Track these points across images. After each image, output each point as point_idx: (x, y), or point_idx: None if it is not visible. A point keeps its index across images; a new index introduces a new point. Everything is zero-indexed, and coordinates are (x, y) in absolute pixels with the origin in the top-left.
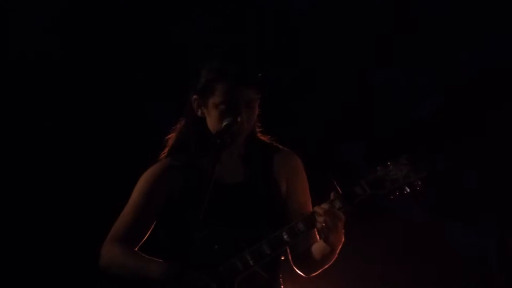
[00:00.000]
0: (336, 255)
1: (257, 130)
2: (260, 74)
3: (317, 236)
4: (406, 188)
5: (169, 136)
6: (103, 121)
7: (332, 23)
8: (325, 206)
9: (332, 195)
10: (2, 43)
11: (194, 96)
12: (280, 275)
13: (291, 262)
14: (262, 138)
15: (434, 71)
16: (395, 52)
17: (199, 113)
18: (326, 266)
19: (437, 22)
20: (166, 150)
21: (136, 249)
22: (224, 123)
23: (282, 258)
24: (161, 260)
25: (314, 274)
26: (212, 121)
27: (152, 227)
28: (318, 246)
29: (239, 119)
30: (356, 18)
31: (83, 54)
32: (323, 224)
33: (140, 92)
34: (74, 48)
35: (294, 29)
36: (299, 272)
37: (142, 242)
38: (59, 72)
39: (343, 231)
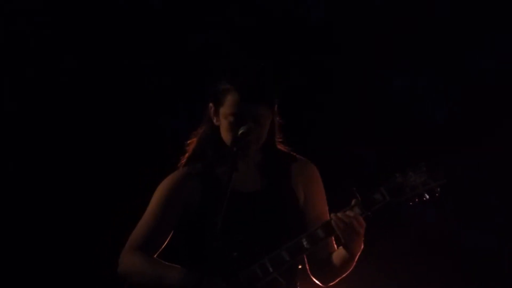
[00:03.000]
0: (354, 263)
1: (278, 140)
2: (273, 90)
3: (335, 245)
4: (426, 194)
5: (190, 141)
6: (120, 129)
7: (349, 30)
8: (346, 212)
9: (353, 202)
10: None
11: (210, 105)
12: (298, 283)
13: (309, 271)
14: (280, 147)
15: (450, 77)
16: (411, 58)
17: (215, 121)
18: (344, 275)
19: (454, 27)
20: (185, 156)
21: (155, 256)
22: (240, 131)
23: (300, 266)
24: (180, 267)
25: (332, 283)
26: (222, 131)
27: (170, 235)
28: (337, 254)
29: (245, 128)
30: (372, 23)
31: (99, 62)
32: (344, 231)
33: (157, 100)
34: (89, 56)
35: (311, 37)
36: (316, 281)
37: (160, 250)
38: (73, 78)
39: (363, 238)
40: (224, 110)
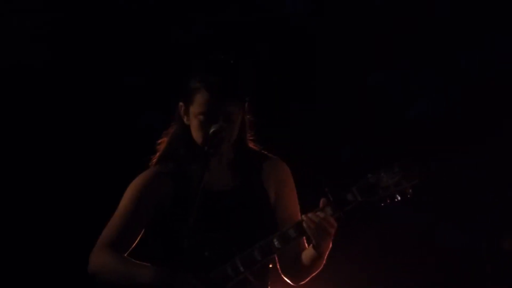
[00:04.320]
0: (324, 262)
1: (249, 138)
2: (243, 88)
3: (306, 245)
4: (397, 195)
5: (161, 140)
6: (95, 126)
7: (329, 26)
8: (317, 213)
9: (322, 202)
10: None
11: (180, 103)
12: (269, 283)
13: (279, 270)
14: (252, 146)
15: (428, 73)
16: (389, 54)
17: (185, 120)
18: (314, 274)
19: (435, 23)
20: (157, 156)
21: (125, 255)
22: (211, 130)
23: (270, 265)
24: (150, 265)
25: (302, 282)
26: (193, 130)
27: (141, 234)
28: (307, 253)
29: (216, 127)
30: (353, 19)
31: (77, 58)
32: (315, 231)
33: (133, 97)
34: (68, 53)
35: (290, 33)
36: (287, 280)
37: (131, 248)
38: (53, 77)
39: (332, 237)
40: (194, 109)
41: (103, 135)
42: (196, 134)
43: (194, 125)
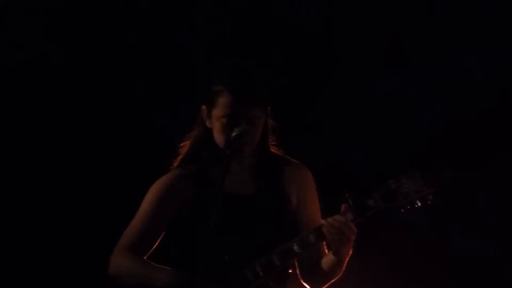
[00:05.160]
0: (343, 268)
1: (271, 143)
2: (266, 91)
3: (326, 250)
4: (418, 202)
5: (183, 144)
6: (112, 129)
7: (339, 32)
8: (337, 217)
9: (343, 207)
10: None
11: (203, 107)
12: None
13: (299, 276)
14: (273, 150)
15: (439, 79)
16: (402, 61)
17: (208, 123)
18: (333, 280)
19: (436, 30)
20: (178, 159)
21: (145, 258)
22: (234, 134)
23: (290, 271)
24: (170, 268)
25: None
26: (215, 133)
27: (161, 237)
28: (326, 259)
29: (238, 131)
30: (362, 26)
31: (89, 60)
32: (335, 236)
33: (148, 101)
34: (79, 54)
35: (300, 38)
36: (306, 285)
37: (151, 251)
38: (63, 78)
39: (352, 244)
40: (217, 112)
41: (123, 138)
42: (219, 137)
43: (216, 128)
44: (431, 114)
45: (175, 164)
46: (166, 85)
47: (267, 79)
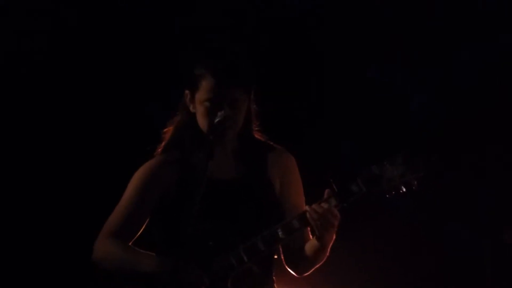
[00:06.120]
0: (327, 254)
1: (254, 128)
2: (249, 74)
3: (310, 236)
4: (402, 187)
5: (166, 129)
6: (98, 118)
7: (331, 21)
8: (321, 204)
9: (326, 193)
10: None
11: (186, 91)
12: (273, 273)
13: (284, 261)
14: (257, 136)
15: (430, 71)
16: (393, 50)
17: (191, 108)
18: (318, 265)
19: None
20: (162, 145)
21: (130, 244)
22: (216, 119)
23: (276, 257)
24: (154, 254)
25: (306, 273)
26: (198, 117)
27: (145, 223)
28: (310, 244)
29: (221, 116)
30: (356, 17)
31: (79, 52)
32: (318, 222)
33: (136, 89)
34: (70, 47)
35: (292, 27)
36: (291, 271)
37: (135, 237)
38: (55, 70)
39: (336, 229)
40: (200, 95)
41: (106, 126)
42: (202, 121)
43: (200, 112)
44: (421, 99)
45: (159, 150)
46: (156, 75)
47: (250, 62)
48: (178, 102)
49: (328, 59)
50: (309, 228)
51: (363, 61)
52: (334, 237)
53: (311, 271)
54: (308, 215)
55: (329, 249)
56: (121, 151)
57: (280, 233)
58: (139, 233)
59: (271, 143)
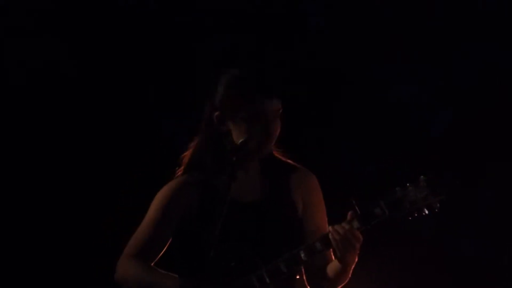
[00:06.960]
0: (349, 275)
1: (275, 148)
2: (279, 83)
3: (332, 257)
4: (425, 210)
5: (184, 154)
6: (117, 137)
7: (349, 38)
8: (343, 225)
9: (349, 215)
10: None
11: (216, 113)
12: None
13: (306, 282)
14: (279, 156)
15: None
16: (413, 68)
17: (223, 129)
18: (339, 287)
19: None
20: (182, 167)
21: (152, 265)
22: (240, 141)
23: (297, 277)
24: (176, 276)
25: None
26: (241, 135)
27: (167, 244)
28: (332, 266)
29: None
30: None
31: (97, 67)
32: (340, 244)
33: (155, 109)
34: (89, 61)
35: (310, 44)
36: None
37: (157, 258)
38: (73, 85)
39: (358, 251)
40: (240, 113)
41: (127, 146)
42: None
43: (243, 129)
44: (436, 117)
45: (180, 171)
46: (175, 91)
47: (279, 81)
48: (196, 123)
49: (349, 76)
50: (331, 249)
51: (387, 80)
52: (356, 259)
53: None
54: (330, 235)
55: (351, 271)
56: (142, 173)
57: (302, 255)
58: (161, 254)
59: (293, 163)
